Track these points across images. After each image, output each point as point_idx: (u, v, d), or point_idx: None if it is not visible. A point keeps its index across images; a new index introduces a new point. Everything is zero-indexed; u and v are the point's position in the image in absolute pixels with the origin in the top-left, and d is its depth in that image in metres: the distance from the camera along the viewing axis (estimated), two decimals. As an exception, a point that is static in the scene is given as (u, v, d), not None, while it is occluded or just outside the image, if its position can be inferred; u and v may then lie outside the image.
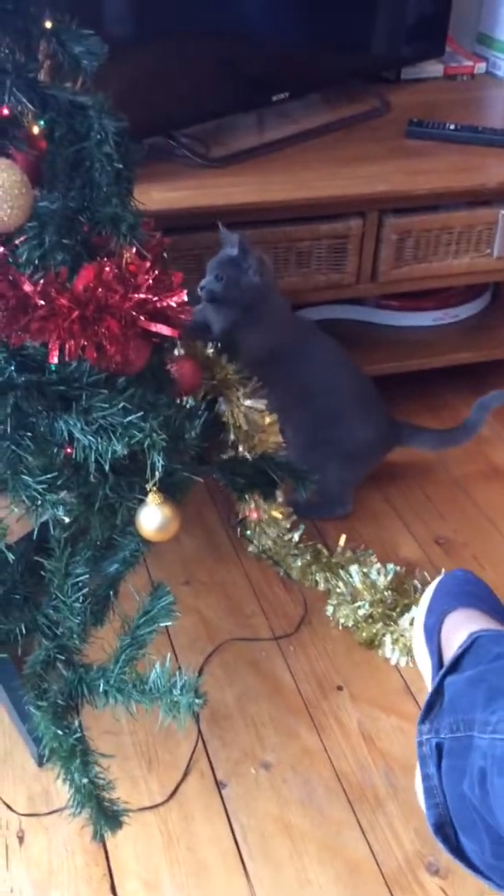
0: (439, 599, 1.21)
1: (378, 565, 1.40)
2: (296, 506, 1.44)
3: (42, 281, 0.81)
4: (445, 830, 0.95)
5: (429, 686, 1.11)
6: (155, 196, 1.35)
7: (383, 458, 1.59)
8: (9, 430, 0.84)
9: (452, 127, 1.58)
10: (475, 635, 1.05)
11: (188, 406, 1.11)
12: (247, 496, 1.31)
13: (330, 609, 1.37)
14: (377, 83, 1.80)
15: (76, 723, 0.91)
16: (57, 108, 0.82)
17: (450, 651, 1.10)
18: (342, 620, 1.35)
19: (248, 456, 1.26)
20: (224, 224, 1.37)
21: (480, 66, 1.88)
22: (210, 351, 1.27)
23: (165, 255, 0.98)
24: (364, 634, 1.33)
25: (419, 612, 1.25)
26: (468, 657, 1.03)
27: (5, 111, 0.78)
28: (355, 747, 1.21)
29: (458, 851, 0.94)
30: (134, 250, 0.89)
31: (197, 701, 0.89)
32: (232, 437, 1.26)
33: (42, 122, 0.82)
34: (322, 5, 1.57)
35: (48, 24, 0.82)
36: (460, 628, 1.12)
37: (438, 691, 1.00)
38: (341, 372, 1.48)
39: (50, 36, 0.84)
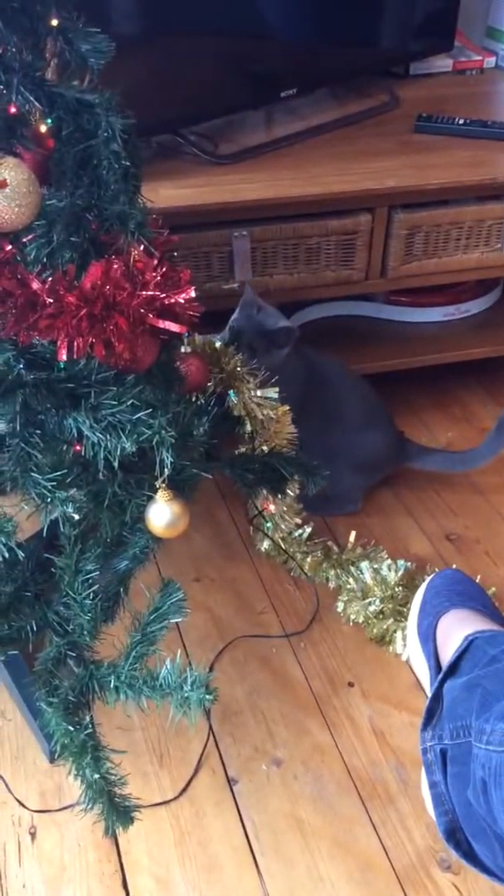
0: (432, 600, 1.21)
1: (389, 561, 1.40)
2: (306, 501, 1.44)
3: (50, 279, 0.81)
4: (457, 836, 0.95)
5: (428, 691, 1.12)
6: (163, 193, 1.35)
7: (392, 471, 1.59)
8: (18, 427, 0.84)
9: (462, 121, 1.57)
10: (471, 637, 1.05)
11: (197, 402, 1.11)
12: (256, 492, 1.31)
13: (340, 605, 1.37)
14: (386, 78, 1.79)
15: (87, 719, 0.91)
16: (64, 106, 0.82)
17: (446, 653, 1.10)
18: (353, 617, 1.35)
19: (262, 449, 1.25)
20: (232, 220, 1.37)
21: (490, 61, 1.87)
22: (218, 344, 1.27)
23: (175, 253, 0.98)
24: (375, 630, 1.33)
25: (412, 614, 1.25)
26: (465, 660, 1.03)
27: (13, 110, 0.78)
28: (366, 743, 1.20)
29: (470, 856, 0.94)
30: (142, 248, 0.89)
31: (208, 697, 0.90)
32: (248, 428, 1.26)
33: (49, 121, 0.82)
34: (330, 0, 1.57)
35: (54, 23, 0.83)
36: (455, 630, 1.12)
37: (437, 697, 1.01)
38: (348, 388, 1.50)
39: (56, 34, 0.84)
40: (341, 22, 1.60)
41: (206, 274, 1.41)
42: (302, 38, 1.57)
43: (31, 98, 0.80)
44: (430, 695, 1.05)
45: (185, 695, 0.90)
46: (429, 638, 1.18)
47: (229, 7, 1.43)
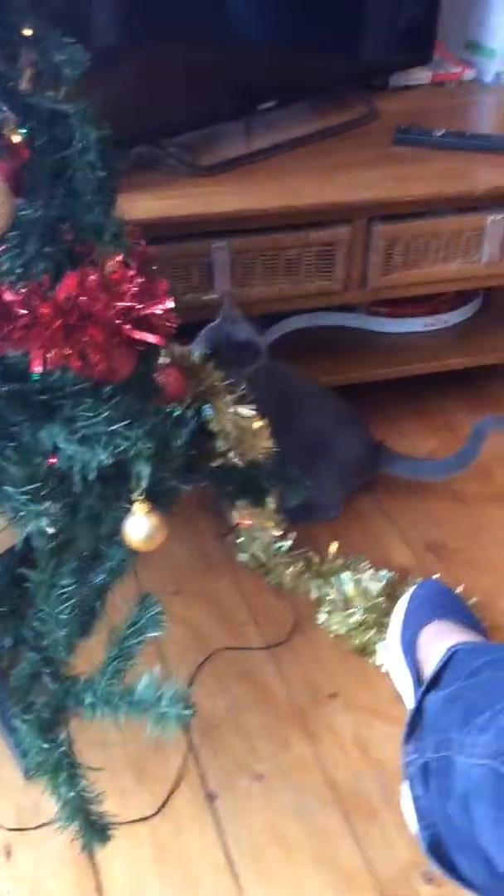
0: (415, 611, 1.21)
1: (370, 572, 1.40)
2: (287, 512, 1.44)
3: (24, 290, 0.81)
4: (439, 851, 0.94)
5: (409, 704, 1.11)
6: (142, 205, 1.34)
7: (370, 477, 1.59)
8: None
9: (440, 133, 1.58)
10: (453, 649, 1.04)
11: (175, 414, 1.11)
12: (237, 504, 1.30)
13: (322, 617, 1.37)
14: (365, 90, 1.80)
15: (62, 736, 0.90)
16: (38, 116, 0.82)
17: (428, 666, 1.10)
18: (334, 628, 1.35)
19: (238, 463, 1.25)
20: (212, 231, 1.37)
21: (468, 73, 1.88)
22: (196, 357, 1.26)
23: (153, 266, 0.97)
24: (356, 642, 1.32)
25: (393, 625, 1.25)
26: (447, 672, 1.03)
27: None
28: (349, 755, 1.20)
29: (453, 871, 0.94)
30: (118, 258, 0.88)
31: (186, 712, 0.89)
32: (221, 443, 1.25)
33: (23, 131, 0.82)
34: (309, 13, 1.58)
35: (28, 32, 0.82)
36: (437, 641, 1.11)
37: (419, 710, 1.00)
38: (320, 398, 1.51)
39: (31, 44, 0.84)
40: (320, 34, 1.61)
41: (186, 285, 1.41)
42: (281, 51, 1.57)
43: (5, 108, 0.79)
44: (411, 708, 1.05)
45: (163, 710, 0.89)
46: (410, 648, 1.18)
47: (208, 19, 1.43)
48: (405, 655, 1.19)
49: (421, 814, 0.97)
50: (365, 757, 1.19)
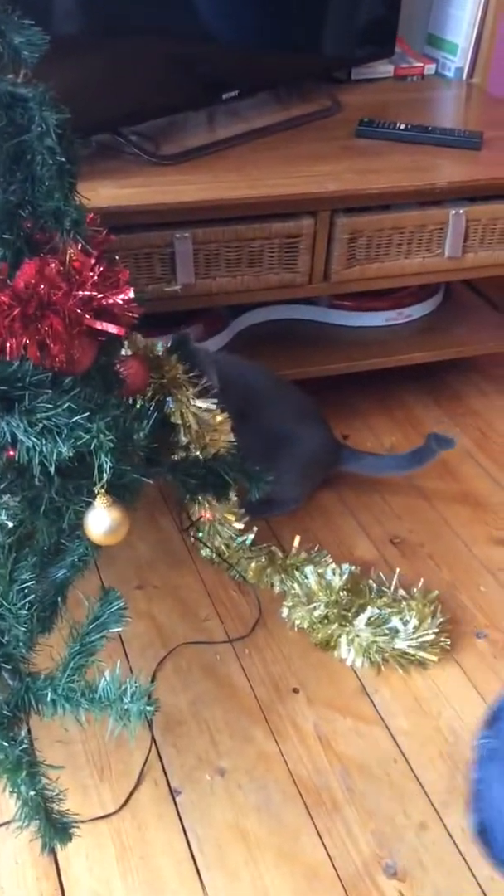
0: None
1: (333, 566, 1.39)
2: (248, 507, 1.43)
3: (-19, 277, 0.78)
4: (486, 836, 0.95)
5: None
6: (103, 193, 1.32)
7: (330, 473, 1.59)
8: None
9: (403, 127, 1.58)
10: None
11: (137, 406, 1.09)
12: (199, 498, 1.29)
13: (285, 611, 1.36)
14: (328, 83, 1.79)
15: (22, 734, 0.88)
16: (-4, 99, 0.80)
17: None
18: (297, 622, 1.34)
19: (199, 456, 1.24)
20: (174, 221, 1.35)
21: (430, 67, 1.89)
22: (160, 350, 1.25)
23: (116, 255, 0.96)
24: (319, 636, 1.32)
25: None
26: None
27: None
28: (311, 751, 1.19)
29: (496, 857, 0.95)
30: (78, 246, 0.87)
31: (148, 708, 0.87)
32: (183, 437, 1.24)
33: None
34: (273, 4, 1.56)
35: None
36: None
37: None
38: (281, 391, 1.50)
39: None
40: (283, 26, 1.60)
41: (148, 276, 1.39)
42: (244, 41, 1.56)
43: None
44: (500, 701, 1.04)
45: (125, 706, 0.88)
46: None
47: (171, 8, 1.41)
48: None
49: (476, 796, 0.97)
50: (327, 751, 1.19)
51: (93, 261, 0.88)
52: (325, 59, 1.74)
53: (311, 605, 1.34)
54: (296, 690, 1.27)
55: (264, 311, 1.74)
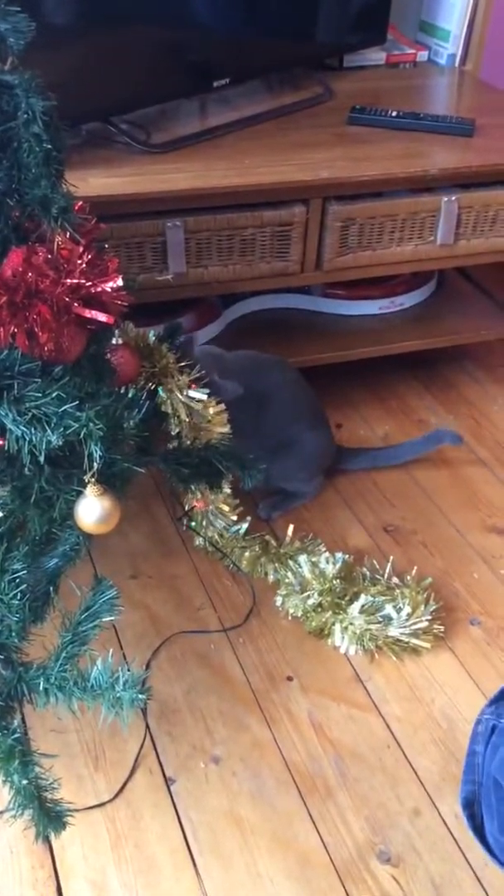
0: None
1: (327, 554, 1.40)
2: (271, 504, 1.51)
3: (-31, 266, 0.78)
4: (473, 809, 0.97)
5: None
6: (93, 182, 1.31)
7: (331, 464, 1.60)
8: None
9: (395, 114, 1.57)
10: None
11: (128, 395, 1.09)
12: (192, 487, 1.29)
13: (279, 599, 1.36)
14: (320, 70, 1.79)
15: (15, 723, 0.88)
16: (-19, 86, 0.79)
17: None
18: (291, 610, 1.34)
19: (192, 446, 1.23)
20: (165, 210, 1.35)
21: (422, 54, 1.88)
22: (152, 339, 1.24)
23: (105, 244, 0.95)
24: (313, 624, 1.32)
25: None
26: None
27: None
28: (305, 738, 1.20)
29: (479, 831, 0.96)
30: (66, 234, 0.86)
31: (140, 696, 0.88)
32: (175, 427, 1.24)
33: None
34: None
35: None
36: None
37: None
38: (294, 385, 1.51)
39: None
40: (275, 12, 1.59)
41: (140, 265, 1.38)
42: (235, 28, 1.55)
43: None
44: None
45: (118, 695, 0.88)
46: None
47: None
48: None
49: (469, 769, 0.98)
50: (321, 738, 1.20)
51: (81, 249, 0.87)
52: (316, 47, 1.73)
53: (305, 594, 1.34)
54: (290, 678, 1.27)
55: (257, 301, 1.74)
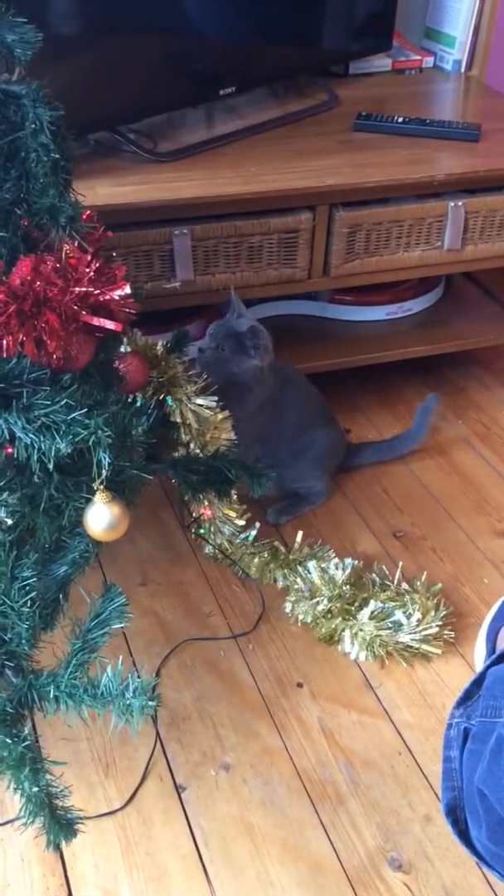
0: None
1: (336, 560, 1.39)
2: (283, 509, 1.52)
3: (-23, 275, 0.79)
4: (456, 814, 0.96)
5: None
6: (101, 191, 1.32)
7: (339, 465, 1.61)
8: None
9: (401, 120, 1.58)
10: None
11: (136, 403, 1.09)
12: (200, 495, 1.29)
13: (288, 606, 1.36)
14: (325, 77, 1.79)
15: (26, 730, 0.88)
16: (-11, 97, 0.80)
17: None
18: (301, 617, 1.34)
19: (200, 454, 1.24)
20: (173, 218, 1.35)
21: (428, 60, 1.88)
22: (159, 348, 1.25)
23: (113, 252, 0.96)
24: (323, 630, 1.32)
25: (488, 616, 1.31)
26: None
27: None
28: (316, 744, 1.19)
29: (464, 836, 0.96)
30: (74, 243, 0.87)
31: (150, 703, 0.88)
32: (183, 435, 1.24)
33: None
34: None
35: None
36: None
37: (480, 681, 1.02)
38: (307, 389, 1.53)
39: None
40: (280, 21, 1.60)
41: (148, 273, 1.39)
42: (241, 37, 1.56)
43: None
44: (474, 678, 1.05)
45: (128, 702, 0.88)
46: (493, 634, 1.23)
47: (167, 4, 1.41)
48: (487, 639, 1.25)
49: (447, 775, 0.98)
50: (332, 745, 1.19)
51: (89, 257, 0.88)
52: (321, 54, 1.74)
53: (315, 600, 1.34)
54: (300, 685, 1.27)
55: (264, 308, 1.74)
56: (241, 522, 1.39)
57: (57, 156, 0.82)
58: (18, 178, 0.82)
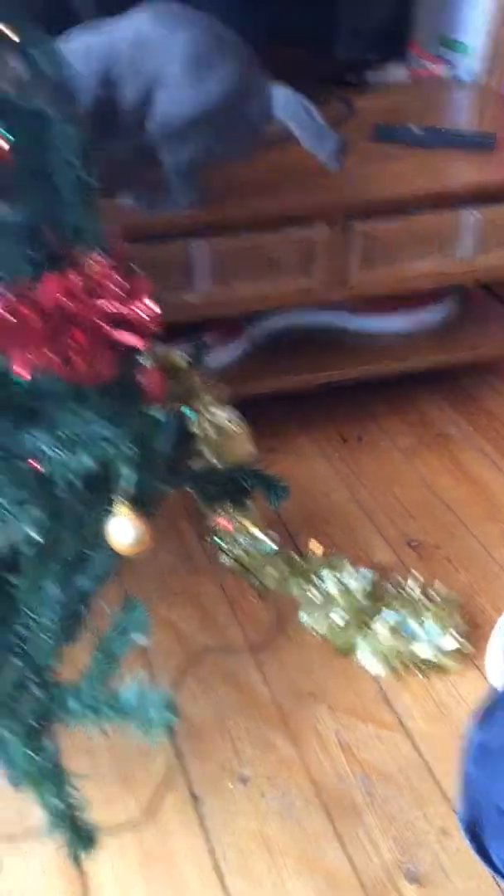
0: None
1: (351, 570, 1.39)
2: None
3: (5, 293, 0.79)
4: (474, 830, 0.96)
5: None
6: (121, 205, 1.33)
7: None
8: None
9: (417, 130, 1.58)
10: None
11: (157, 416, 1.09)
12: (217, 506, 1.30)
13: (304, 617, 1.36)
14: (342, 87, 1.79)
15: (49, 743, 0.89)
16: (20, 118, 0.80)
17: None
18: (316, 628, 1.34)
19: (218, 465, 1.24)
20: (191, 231, 1.35)
21: (444, 69, 1.89)
22: (180, 360, 1.25)
23: (133, 265, 0.96)
24: (339, 642, 1.32)
25: (497, 629, 1.31)
26: None
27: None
28: (333, 757, 1.19)
29: (482, 851, 0.95)
30: (98, 258, 0.87)
31: (171, 717, 0.88)
32: (201, 447, 1.24)
33: (5, 133, 0.80)
34: (283, 7, 1.56)
35: (13, 37, 0.81)
36: None
37: (500, 699, 1.01)
38: None
39: (12, 46, 0.83)
40: (294, 30, 1.60)
41: (165, 285, 1.39)
42: (255, 46, 1.56)
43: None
44: (494, 696, 1.05)
45: (148, 716, 0.88)
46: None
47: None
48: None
49: (467, 791, 0.98)
50: (349, 758, 1.19)
51: (113, 273, 0.88)
52: (336, 63, 1.74)
53: (330, 611, 1.34)
54: (316, 697, 1.27)
55: (280, 318, 1.74)
56: (259, 534, 1.39)
57: (84, 175, 0.83)
58: (46, 197, 0.83)
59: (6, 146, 0.80)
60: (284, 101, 1.31)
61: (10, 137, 0.79)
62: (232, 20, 1.49)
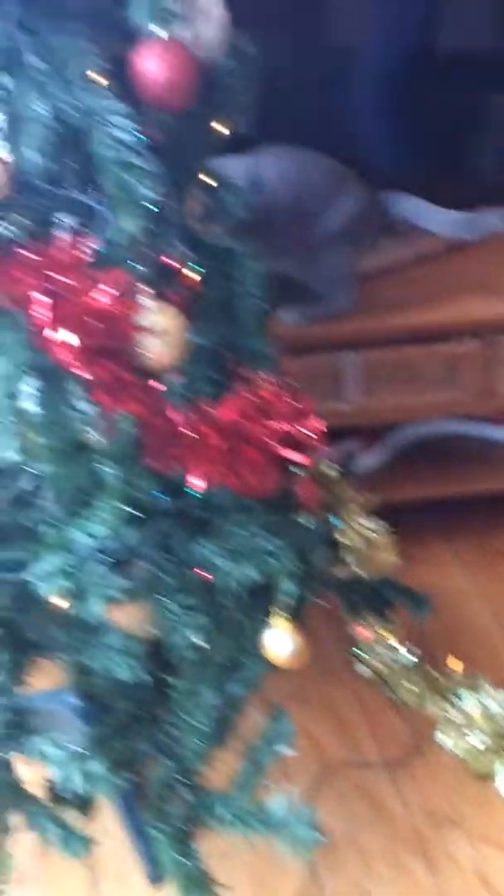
0: None
1: (491, 690, 1.36)
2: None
3: (189, 412, 0.85)
4: None
5: None
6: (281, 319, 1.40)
7: None
8: (149, 550, 0.87)
9: None
10: None
11: (312, 527, 1.13)
12: (360, 616, 1.30)
13: (441, 736, 1.33)
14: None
15: (196, 849, 0.90)
16: (209, 252, 0.88)
17: None
18: (453, 749, 1.31)
19: (363, 576, 1.25)
20: (342, 344, 1.41)
21: None
22: (329, 469, 1.28)
23: (296, 384, 1.01)
24: (478, 765, 1.28)
25: None
26: None
27: (168, 260, 0.83)
28: (469, 886, 1.15)
29: None
30: (270, 379, 0.92)
31: (318, 837, 0.88)
32: (347, 557, 1.26)
33: (195, 266, 0.87)
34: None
35: (203, 179, 0.89)
36: None
37: None
38: None
39: (202, 186, 0.91)
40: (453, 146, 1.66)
41: (316, 395, 1.43)
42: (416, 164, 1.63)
43: (182, 246, 0.86)
44: None
45: (294, 832, 0.89)
46: None
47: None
48: None
49: None
50: (486, 890, 1.14)
51: (282, 393, 0.93)
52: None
53: (468, 733, 1.30)
54: (453, 822, 1.23)
55: (421, 426, 1.76)
56: (400, 647, 1.38)
57: (264, 304, 0.89)
58: (229, 324, 0.90)
59: (197, 278, 0.87)
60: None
61: (202, 270, 0.87)
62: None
